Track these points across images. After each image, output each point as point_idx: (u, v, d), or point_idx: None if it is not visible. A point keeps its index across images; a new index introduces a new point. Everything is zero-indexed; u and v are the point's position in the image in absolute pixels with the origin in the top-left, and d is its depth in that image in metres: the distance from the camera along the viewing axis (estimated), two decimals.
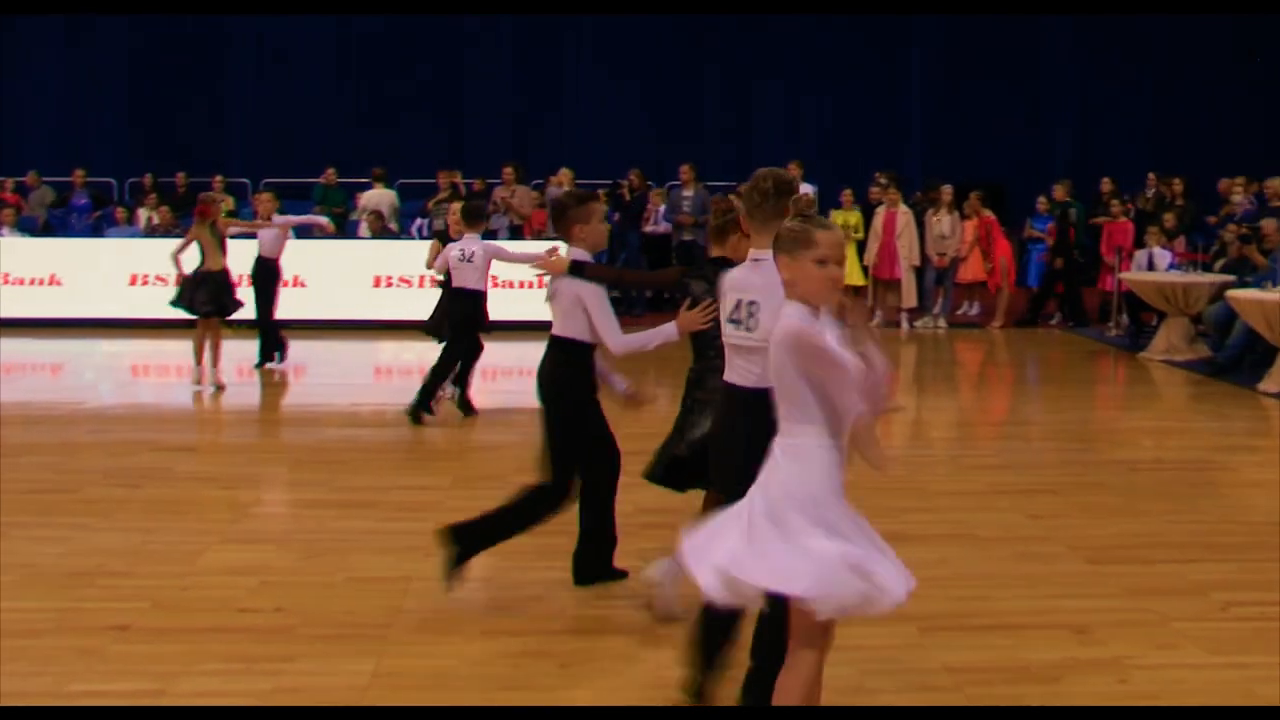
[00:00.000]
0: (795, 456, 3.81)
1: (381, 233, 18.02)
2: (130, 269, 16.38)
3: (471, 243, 10.44)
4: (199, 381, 11.78)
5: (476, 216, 10.75)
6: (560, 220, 6.08)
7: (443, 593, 5.96)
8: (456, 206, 11.37)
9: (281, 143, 22.00)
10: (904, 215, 17.40)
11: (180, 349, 13.21)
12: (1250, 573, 6.65)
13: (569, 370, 6.01)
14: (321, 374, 13.23)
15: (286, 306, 15.41)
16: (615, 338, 5.82)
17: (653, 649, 5.41)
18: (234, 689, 4.96)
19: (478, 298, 10.55)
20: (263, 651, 5.34)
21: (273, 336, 13.09)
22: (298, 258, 16.42)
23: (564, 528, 7.37)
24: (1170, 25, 22.74)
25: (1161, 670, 5.26)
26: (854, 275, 17.55)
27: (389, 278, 16.47)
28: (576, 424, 6.05)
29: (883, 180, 17.87)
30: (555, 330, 6.07)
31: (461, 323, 10.57)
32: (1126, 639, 5.59)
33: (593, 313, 5.83)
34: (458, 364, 10.63)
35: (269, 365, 13.02)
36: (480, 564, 6.68)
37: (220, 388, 11.76)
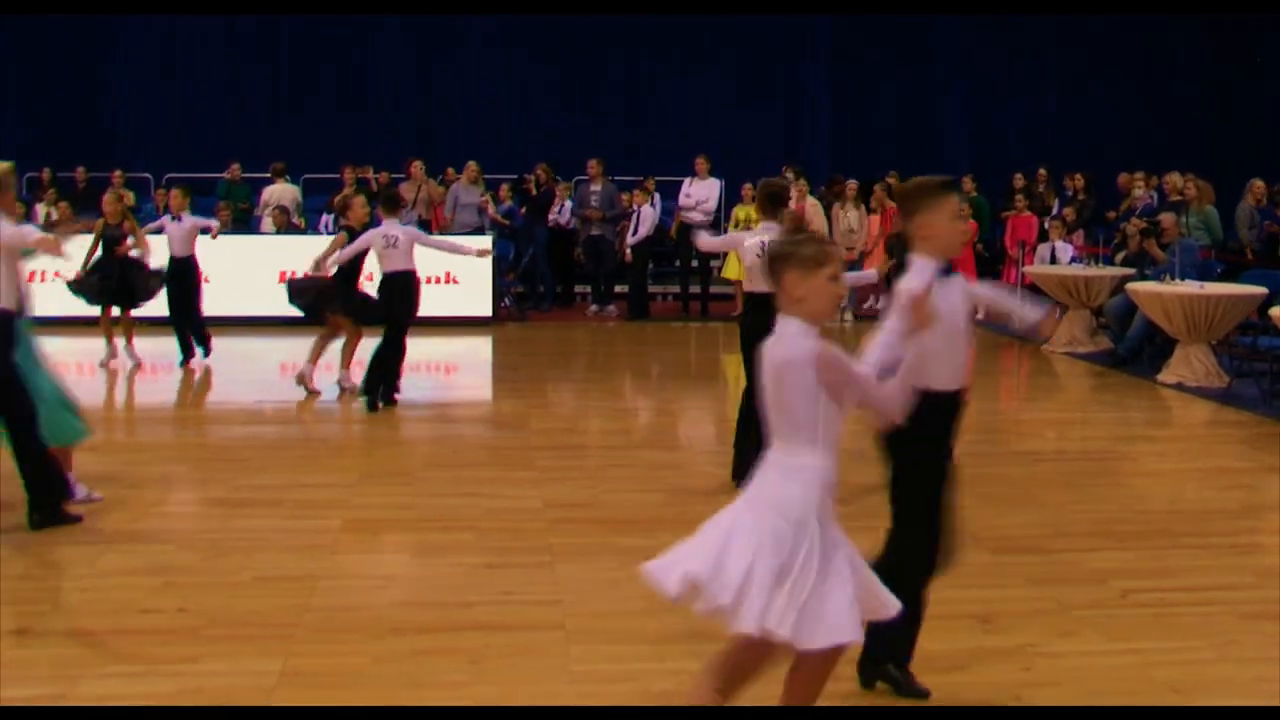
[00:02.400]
0: (794, 477, 3.84)
1: (286, 228, 17.85)
2: (29, 265, 16.06)
3: (393, 228, 10.76)
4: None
5: (395, 204, 11.17)
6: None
7: (348, 590, 5.92)
8: (359, 200, 11.40)
9: (184, 138, 21.68)
10: (812, 206, 17.50)
11: (82, 347, 13.03)
12: (1148, 560, 6.78)
13: None
14: (225, 371, 13.06)
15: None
16: None
17: (561, 643, 5.42)
18: (136, 691, 4.89)
19: (409, 276, 10.83)
20: (166, 653, 5.27)
21: (195, 334, 13.05)
22: (202, 254, 16.27)
23: (468, 523, 7.36)
24: (1070, 22, 23.02)
25: (1063, 658, 5.34)
26: None
27: (294, 273, 16.28)
28: None
29: (790, 173, 17.97)
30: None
31: (399, 302, 10.77)
32: (1029, 627, 5.67)
33: None
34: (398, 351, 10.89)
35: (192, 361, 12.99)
36: (389, 561, 6.65)
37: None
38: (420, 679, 5.06)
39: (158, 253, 12.84)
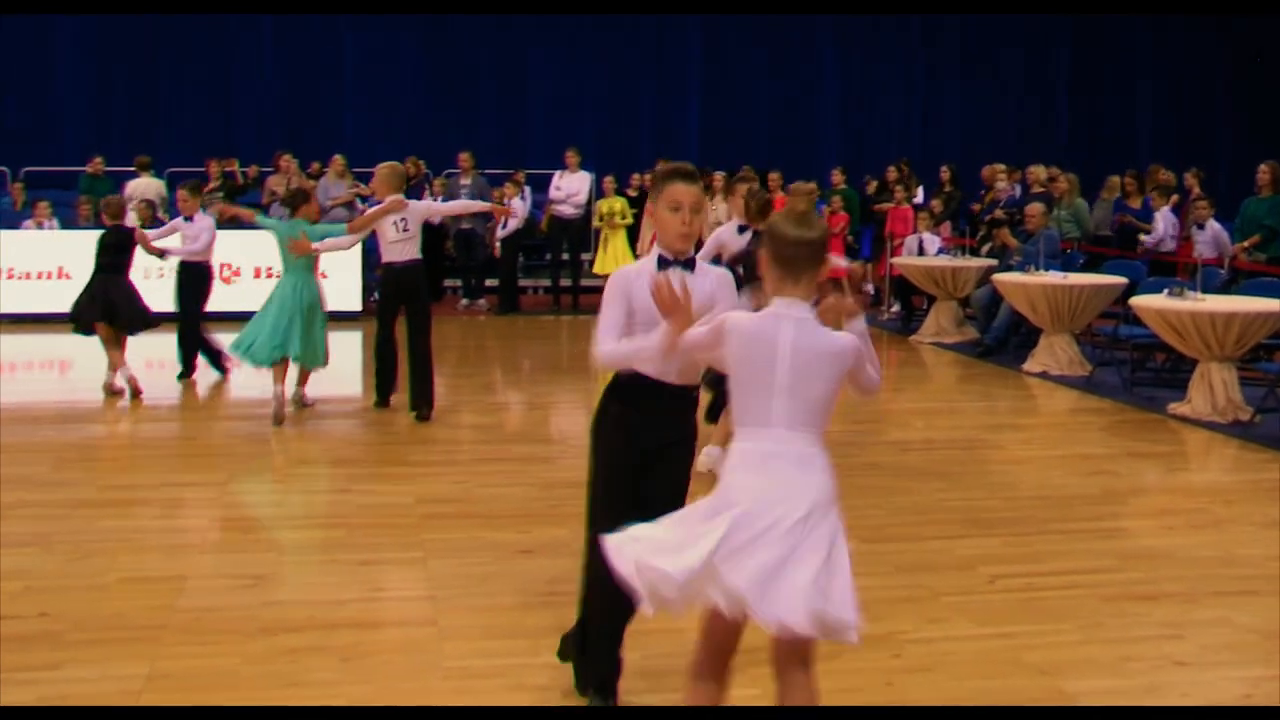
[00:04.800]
0: (823, 468, 3.75)
1: (152, 222, 17.48)
2: None
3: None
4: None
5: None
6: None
7: (218, 590, 5.81)
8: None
9: (45, 131, 21.13)
10: None
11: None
12: (1015, 546, 6.90)
13: None
14: (87, 368, 12.78)
15: (49, 300, 14.93)
16: None
17: (434, 640, 5.37)
18: None
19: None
20: (25, 660, 5.12)
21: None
22: (64, 249, 15.93)
23: (339, 520, 7.28)
24: (938, 17, 23.38)
25: (933, 643, 5.41)
26: (626, 261, 17.66)
27: (160, 269, 15.99)
28: None
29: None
30: None
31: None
32: (899, 614, 5.73)
33: None
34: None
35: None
36: (259, 560, 6.55)
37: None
38: (292, 678, 4.99)
39: None
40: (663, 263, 4.40)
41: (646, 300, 4.13)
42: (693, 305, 3.98)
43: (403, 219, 10.09)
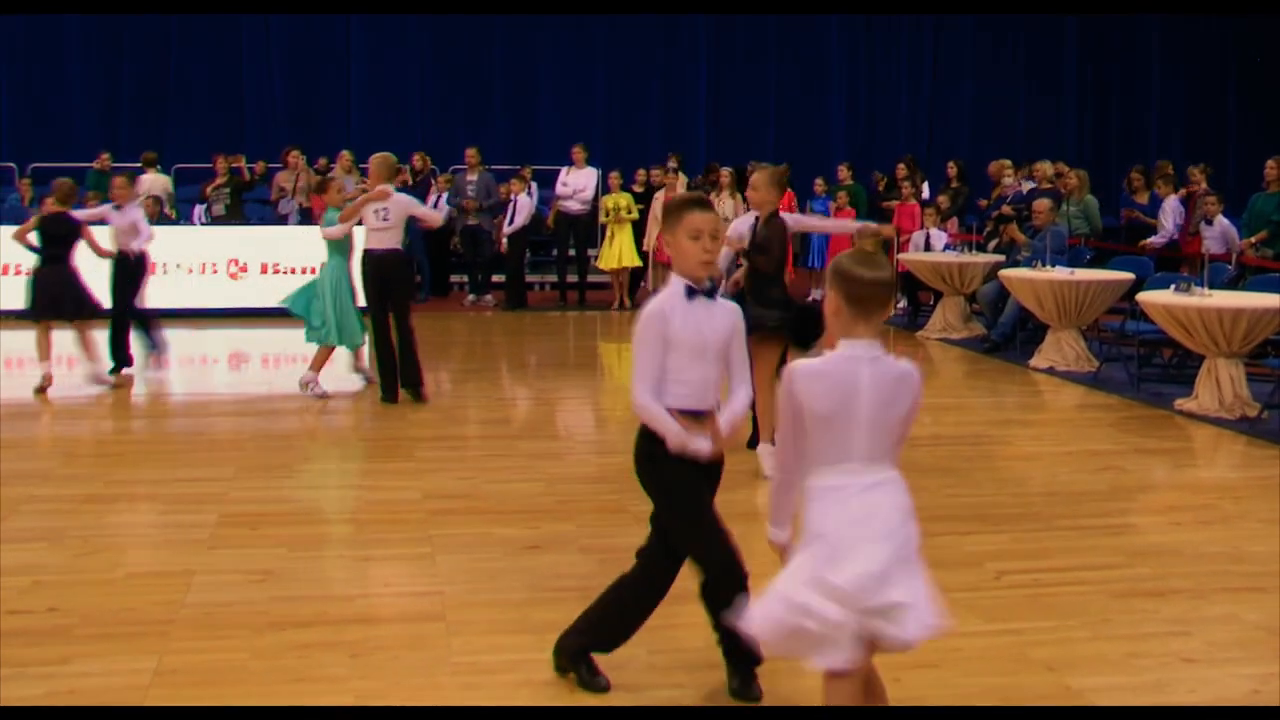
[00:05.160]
0: (904, 490, 3.89)
1: (159, 218, 17.51)
2: None
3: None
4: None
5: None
6: None
7: (226, 586, 5.82)
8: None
9: (52, 126, 21.14)
10: None
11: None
12: (1022, 542, 6.90)
13: None
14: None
15: None
16: None
17: (443, 635, 5.38)
18: (5, 695, 4.76)
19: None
20: (35, 655, 5.13)
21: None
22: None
23: (348, 515, 7.28)
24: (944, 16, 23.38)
25: (941, 639, 5.37)
26: (631, 257, 17.69)
27: (166, 264, 16.03)
28: None
29: (673, 163, 18.03)
30: None
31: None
32: None
33: None
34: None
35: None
36: (267, 555, 6.56)
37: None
38: (300, 674, 5.00)
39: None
40: (690, 292, 4.53)
41: (683, 331, 4.46)
42: (715, 339, 4.49)
43: (384, 208, 10.62)
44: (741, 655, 4.66)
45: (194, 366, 11.82)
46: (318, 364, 10.89)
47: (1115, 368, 12.17)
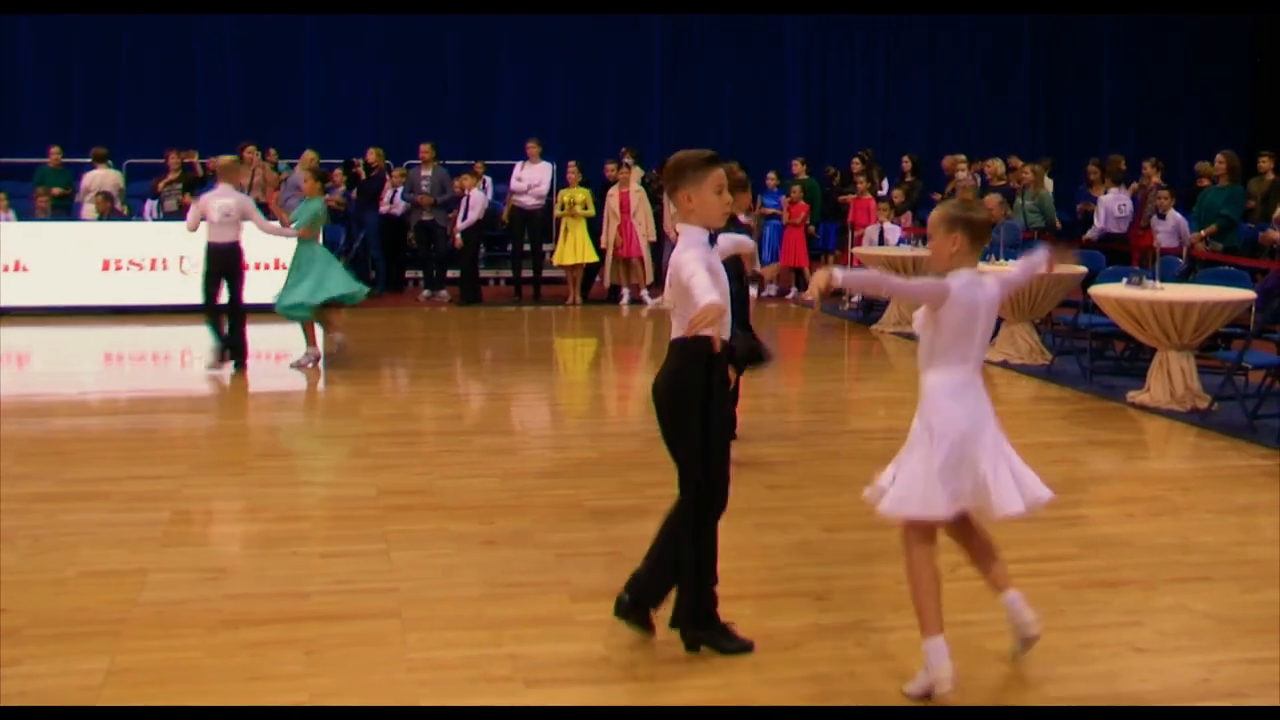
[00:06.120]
0: (953, 393, 4.99)
1: (110, 214, 17.38)
2: None
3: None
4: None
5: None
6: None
7: (180, 584, 5.78)
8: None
9: (3, 121, 20.90)
10: (637, 194, 17.58)
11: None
12: None
13: None
14: (47, 361, 12.70)
15: (6, 292, 14.80)
16: None
17: (398, 631, 5.36)
18: None
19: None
20: None
21: None
22: (22, 240, 15.81)
23: (302, 512, 7.26)
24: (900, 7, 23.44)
25: (896, 632, 5.43)
26: (587, 252, 17.64)
27: (118, 261, 15.92)
28: None
29: (629, 159, 17.99)
30: None
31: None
32: (863, 603, 5.76)
33: None
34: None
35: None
36: (222, 553, 6.52)
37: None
38: (255, 672, 4.97)
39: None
40: (712, 239, 5.10)
41: (718, 265, 5.04)
42: (720, 271, 5.02)
43: (231, 210, 11.81)
44: (644, 603, 5.12)
45: (145, 363, 11.72)
46: (312, 338, 12.01)
47: (1068, 361, 12.25)
